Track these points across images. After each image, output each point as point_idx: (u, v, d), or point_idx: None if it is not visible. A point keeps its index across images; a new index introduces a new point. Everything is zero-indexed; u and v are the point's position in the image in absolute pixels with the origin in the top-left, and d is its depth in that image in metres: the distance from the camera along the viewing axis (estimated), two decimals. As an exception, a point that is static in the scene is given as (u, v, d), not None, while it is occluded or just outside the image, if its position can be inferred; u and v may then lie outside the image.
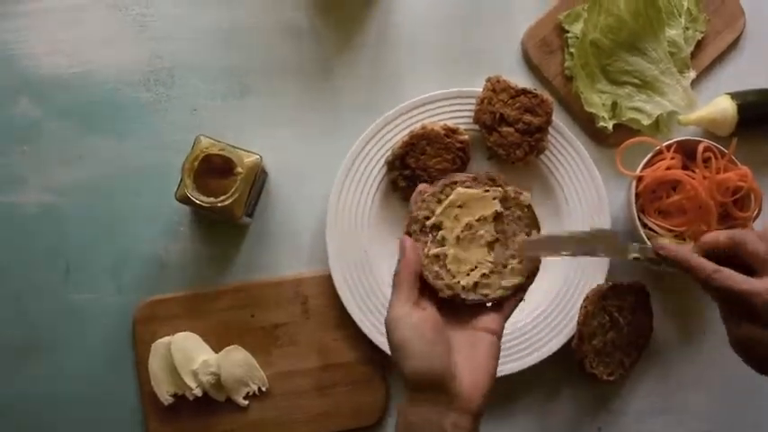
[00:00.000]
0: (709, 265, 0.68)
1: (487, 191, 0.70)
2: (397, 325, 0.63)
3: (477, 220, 0.69)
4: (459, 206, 0.69)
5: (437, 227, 0.69)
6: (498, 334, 0.67)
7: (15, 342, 0.90)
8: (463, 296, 0.68)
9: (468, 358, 0.64)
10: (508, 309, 0.69)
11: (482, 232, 0.69)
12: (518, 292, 0.69)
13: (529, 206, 0.70)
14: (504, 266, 0.69)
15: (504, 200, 0.70)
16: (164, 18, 0.95)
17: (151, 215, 0.91)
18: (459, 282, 0.68)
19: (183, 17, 0.95)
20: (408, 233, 0.69)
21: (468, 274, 0.69)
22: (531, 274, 0.69)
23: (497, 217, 0.70)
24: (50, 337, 0.90)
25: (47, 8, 0.94)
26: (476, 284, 0.69)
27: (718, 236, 0.70)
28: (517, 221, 0.70)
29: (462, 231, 0.69)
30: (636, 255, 0.72)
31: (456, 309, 0.68)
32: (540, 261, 0.70)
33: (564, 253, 0.71)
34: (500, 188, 0.70)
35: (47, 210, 0.91)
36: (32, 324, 0.90)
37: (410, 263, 0.66)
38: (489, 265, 0.69)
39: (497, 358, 0.66)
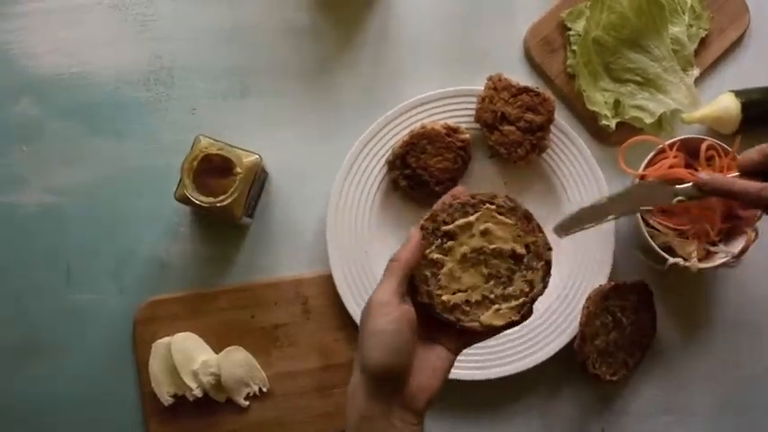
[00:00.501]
0: (753, 186, 0.70)
1: (519, 236, 0.67)
2: (380, 311, 0.61)
3: (492, 250, 0.66)
4: (482, 232, 0.67)
5: (450, 235, 0.67)
6: (455, 353, 0.65)
7: (16, 342, 0.90)
8: (438, 310, 0.65)
9: (422, 360, 0.63)
10: (473, 340, 0.67)
11: (491, 263, 0.66)
12: (490, 333, 0.66)
13: (549, 262, 0.68)
14: (492, 304, 0.66)
15: (530, 244, 0.67)
16: (164, 18, 0.94)
17: (151, 215, 0.91)
18: (441, 295, 0.65)
19: (183, 17, 0.94)
20: (422, 227, 0.66)
21: (453, 293, 0.66)
22: (508, 325, 0.66)
23: (514, 256, 0.67)
24: (51, 337, 0.90)
25: (47, 8, 0.94)
26: (455, 306, 0.66)
27: (751, 154, 0.72)
28: (530, 270, 0.67)
29: (471, 252, 0.66)
30: (680, 198, 0.75)
31: (425, 312, 0.65)
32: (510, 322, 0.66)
33: (609, 218, 0.71)
34: (532, 233, 0.67)
35: (47, 210, 0.91)
36: (33, 324, 0.90)
37: (412, 256, 0.64)
38: (478, 296, 0.66)
39: (448, 371, 0.65)
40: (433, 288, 0.66)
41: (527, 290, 0.67)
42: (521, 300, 0.67)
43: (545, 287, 0.68)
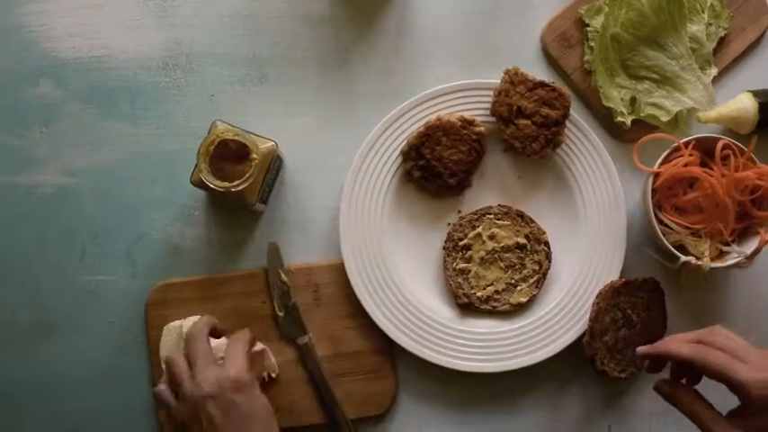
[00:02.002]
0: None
1: (518, 230, 0.90)
2: (259, 394, 0.76)
3: (501, 248, 0.89)
4: (490, 236, 0.89)
5: (467, 247, 0.89)
6: None
7: (29, 322, 0.91)
8: (477, 305, 0.89)
9: None
10: None
11: (503, 257, 0.89)
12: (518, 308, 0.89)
13: (547, 242, 0.89)
14: (515, 287, 0.89)
15: (528, 234, 0.89)
16: (184, 3, 0.95)
17: (166, 199, 0.92)
18: (475, 293, 0.89)
19: (203, 3, 0.95)
20: (444, 248, 0.90)
21: (484, 288, 0.89)
22: (532, 298, 0.89)
23: (519, 246, 0.89)
24: (64, 318, 0.91)
25: (68, -8, 0.95)
26: (488, 298, 0.89)
27: (680, 349, 0.73)
28: (535, 253, 0.89)
29: (486, 254, 0.89)
30: None
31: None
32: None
33: None
34: (527, 225, 0.89)
35: (64, 192, 0.92)
36: (46, 305, 0.91)
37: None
38: (503, 285, 0.89)
39: None
40: (467, 290, 0.89)
41: (537, 268, 0.90)
42: (536, 277, 0.90)
43: (550, 262, 0.90)
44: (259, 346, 0.85)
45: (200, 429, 0.73)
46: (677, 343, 0.74)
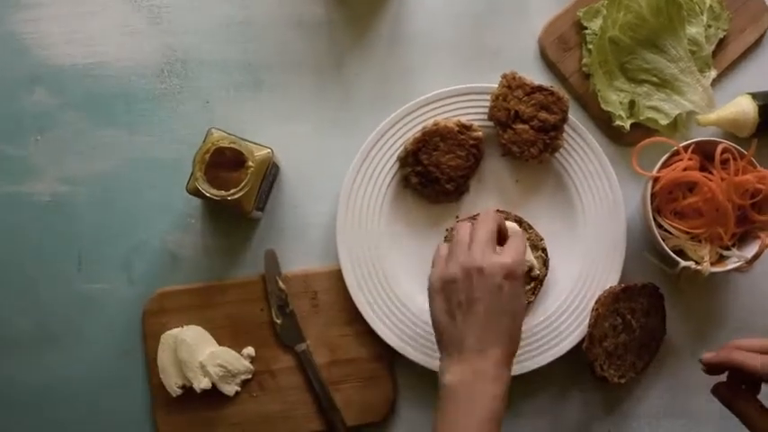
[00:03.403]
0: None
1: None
2: (522, 292, 0.74)
3: None
4: None
5: None
6: None
7: (27, 330, 0.91)
8: None
9: None
10: None
11: None
12: None
13: (544, 249, 0.88)
14: None
15: (526, 240, 0.85)
16: (178, 9, 0.94)
17: (163, 207, 0.92)
18: None
19: (197, 9, 0.94)
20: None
21: None
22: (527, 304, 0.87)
23: None
24: (61, 326, 0.91)
25: (63, -1, 0.94)
26: None
27: (751, 362, 0.71)
28: (534, 258, 0.88)
29: None
30: None
31: None
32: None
33: None
34: (525, 231, 0.87)
35: (60, 200, 0.92)
36: (44, 313, 0.91)
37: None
38: None
39: None
40: None
41: (534, 275, 0.87)
42: (532, 284, 0.88)
43: (548, 269, 0.88)
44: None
45: (448, 299, 0.72)
46: (746, 354, 0.71)
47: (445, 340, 0.72)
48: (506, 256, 0.72)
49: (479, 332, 0.70)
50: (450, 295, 0.72)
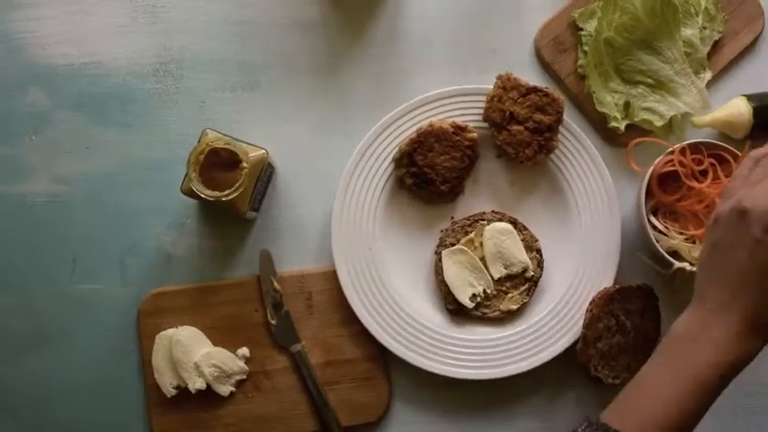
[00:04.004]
0: None
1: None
2: None
3: None
4: (482, 243, 0.87)
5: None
6: None
7: (21, 331, 0.91)
8: (467, 311, 0.88)
9: None
10: None
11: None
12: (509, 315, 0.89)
13: (539, 250, 0.89)
14: (506, 294, 0.88)
15: (521, 241, 0.88)
16: (174, 9, 0.94)
17: (158, 207, 0.92)
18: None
19: (193, 9, 0.94)
20: (436, 252, 0.89)
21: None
22: (522, 306, 0.88)
23: None
24: (56, 326, 0.91)
25: (58, -2, 0.94)
26: (478, 304, 0.88)
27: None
28: (529, 259, 0.88)
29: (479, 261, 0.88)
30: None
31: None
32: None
33: None
34: (520, 232, 0.88)
35: (55, 200, 0.92)
36: (38, 313, 0.91)
37: None
38: (494, 291, 0.88)
39: None
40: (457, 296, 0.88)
41: (529, 276, 0.88)
42: (526, 285, 0.89)
43: (542, 269, 0.89)
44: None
45: (711, 236, 0.65)
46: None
47: (696, 281, 0.66)
48: None
49: (724, 287, 0.62)
50: (713, 233, 0.65)
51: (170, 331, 0.88)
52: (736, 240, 0.62)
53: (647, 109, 0.91)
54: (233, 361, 0.88)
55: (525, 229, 0.89)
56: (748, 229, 0.61)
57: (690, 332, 0.63)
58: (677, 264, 0.84)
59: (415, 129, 0.89)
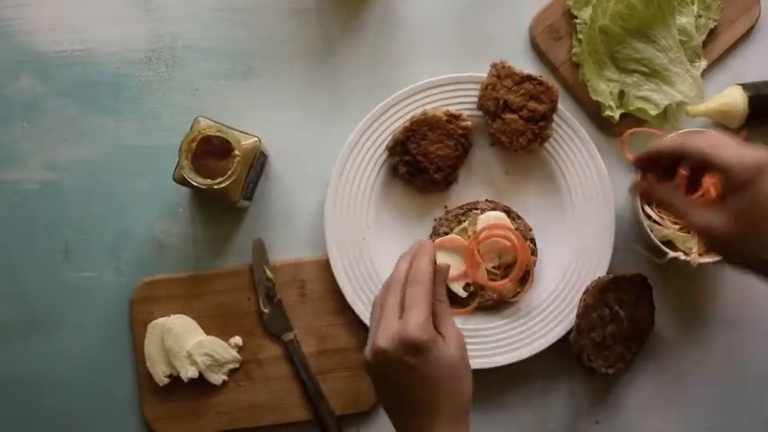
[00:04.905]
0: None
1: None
2: (443, 354, 0.67)
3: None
4: (474, 231, 0.86)
5: None
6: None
7: (12, 319, 0.90)
8: (460, 301, 0.87)
9: None
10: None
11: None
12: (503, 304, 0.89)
13: (533, 239, 0.88)
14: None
15: (515, 230, 0.86)
16: (167, -4, 0.94)
17: (150, 195, 0.91)
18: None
19: (187, -5, 0.94)
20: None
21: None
22: (515, 295, 0.88)
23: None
24: (47, 314, 0.91)
25: (49, -16, 0.93)
26: (471, 293, 0.88)
27: (662, 142, 0.73)
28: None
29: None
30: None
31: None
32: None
33: None
34: (514, 221, 0.87)
35: (47, 187, 0.91)
36: (30, 301, 0.91)
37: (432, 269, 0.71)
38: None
39: None
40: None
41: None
42: (513, 273, 0.87)
43: (536, 259, 0.88)
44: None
45: (375, 383, 0.71)
46: (665, 139, 0.73)
47: (389, 417, 0.71)
48: (407, 324, 0.66)
49: (414, 414, 0.68)
50: (373, 378, 0.70)
51: (162, 320, 0.88)
52: (395, 376, 0.67)
53: (642, 98, 0.90)
54: (225, 350, 0.88)
55: (519, 218, 0.89)
56: (399, 362, 0.66)
57: None
58: (671, 253, 0.84)
59: (408, 117, 0.89)
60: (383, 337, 0.67)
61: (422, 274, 0.70)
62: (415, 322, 0.66)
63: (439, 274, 0.73)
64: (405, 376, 0.67)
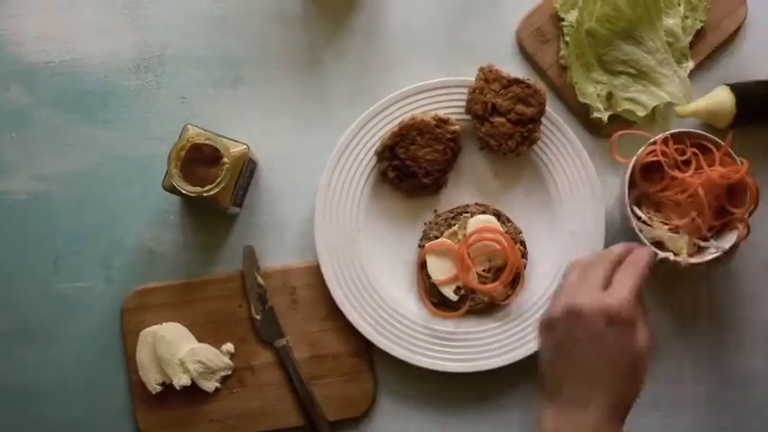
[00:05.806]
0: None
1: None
2: (636, 337, 0.66)
3: None
4: (464, 235, 0.87)
5: None
6: None
7: (4, 330, 0.90)
8: (451, 304, 0.88)
9: None
10: None
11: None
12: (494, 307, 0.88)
13: (523, 242, 0.88)
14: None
15: (505, 233, 0.86)
16: (154, 5, 0.94)
17: (140, 204, 0.91)
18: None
19: (174, 4, 0.94)
20: (420, 245, 0.89)
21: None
22: (506, 298, 0.88)
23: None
24: (38, 325, 0.91)
25: (37, -6, 0.94)
26: (462, 297, 0.87)
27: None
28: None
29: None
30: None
31: None
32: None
33: None
34: (503, 224, 0.88)
35: (36, 198, 0.92)
36: (21, 312, 0.91)
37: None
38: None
39: None
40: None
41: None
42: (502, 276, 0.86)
43: (526, 262, 0.88)
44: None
45: (550, 338, 0.69)
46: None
47: (546, 380, 0.69)
48: (611, 295, 0.66)
49: (579, 382, 0.66)
50: (552, 334, 0.69)
51: (154, 328, 0.88)
52: (579, 337, 0.66)
53: (630, 99, 0.91)
54: (217, 357, 0.88)
55: (509, 220, 0.89)
56: (590, 325, 0.65)
57: (559, 428, 0.66)
58: (661, 254, 0.84)
59: (397, 122, 0.89)
60: (583, 298, 0.66)
61: (642, 261, 0.70)
62: (622, 296, 0.65)
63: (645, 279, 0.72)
64: (591, 341, 0.65)
